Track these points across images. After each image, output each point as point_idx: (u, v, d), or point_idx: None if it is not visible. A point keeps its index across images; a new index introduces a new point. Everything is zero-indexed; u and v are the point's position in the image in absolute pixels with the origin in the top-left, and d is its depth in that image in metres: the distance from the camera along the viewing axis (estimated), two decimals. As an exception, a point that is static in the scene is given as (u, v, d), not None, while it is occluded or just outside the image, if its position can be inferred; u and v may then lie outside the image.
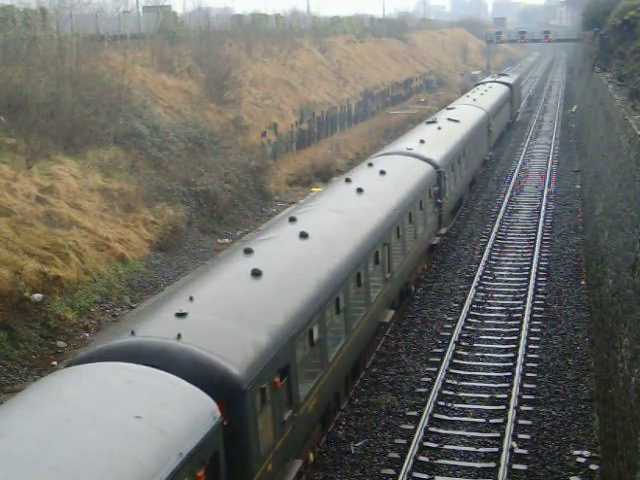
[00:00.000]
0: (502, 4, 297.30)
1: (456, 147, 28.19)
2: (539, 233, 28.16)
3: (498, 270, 24.55)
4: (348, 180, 20.01)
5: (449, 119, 32.05)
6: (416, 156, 24.07)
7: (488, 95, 44.14)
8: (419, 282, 23.27)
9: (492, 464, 13.81)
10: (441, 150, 25.96)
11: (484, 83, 52.73)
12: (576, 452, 14.22)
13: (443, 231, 25.68)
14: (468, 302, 21.50)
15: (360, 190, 18.74)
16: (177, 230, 27.61)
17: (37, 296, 19.71)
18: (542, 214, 30.88)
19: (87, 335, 19.91)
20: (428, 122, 32.22)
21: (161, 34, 44.98)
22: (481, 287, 22.93)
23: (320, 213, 16.84)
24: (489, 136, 39.28)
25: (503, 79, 54.81)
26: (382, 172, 21.12)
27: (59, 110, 29.45)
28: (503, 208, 32.09)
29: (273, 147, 42.79)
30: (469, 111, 36.25)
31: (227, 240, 29.08)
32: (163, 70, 41.17)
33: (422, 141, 26.13)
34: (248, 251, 13.50)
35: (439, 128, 29.58)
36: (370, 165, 22.56)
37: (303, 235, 14.32)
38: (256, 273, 12.35)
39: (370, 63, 73.20)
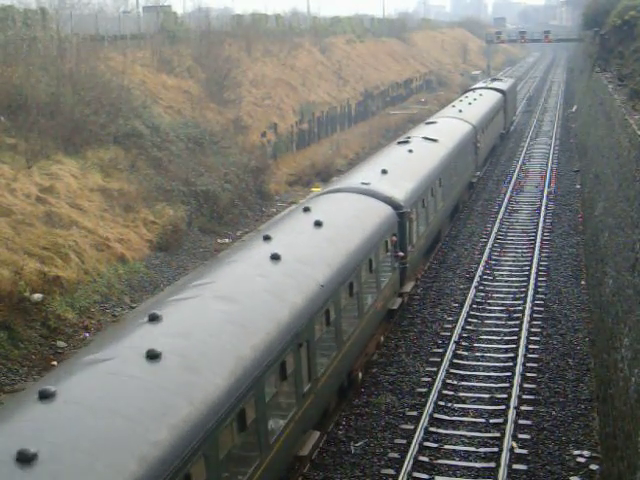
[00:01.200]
0: (502, 4, 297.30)
1: (430, 176, 23.49)
2: (539, 233, 28.16)
3: (498, 270, 24.55)
4: (267, 238, 14.71)
5: (425, 138, 27.17)
6: (372, 194, 19.09)
7: (477, 105, 39.01)
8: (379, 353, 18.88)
9: (492, 464, 13.82)
10: (408, 183, 21.29)
11: (474, 90, 47.16)
12: (576, 452, 14.22)
13: (408, 288, 20.33)
14: (468, 302, 21.50)
15: (276, 257, 13.45)
16: (177, 230, 27.62)
17: (37, 296, 19.71)
18: (542, 214, 30.88)
19: (87, 335, 19.91)
20: (400, 142, 26.84)
21: (161, 34, 44.99)
22: (481, 287, 22.94)
23: (198, 310, 11.43)
24: (476, 154, 34.15)
25: (496, 85, 49.37)
26: (318, 223, 15.60)
27: (59, 110, 29.45)
28: (503, 208, 32.08)
29: (273, 147, 42.79)
30: (452, 126, 31.33)
31: (227, 240, 29.09)
32: (163, 70, 41.18)
33: (384, 171, 21.27)
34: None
35: (410, 151, 24.61)
36: (306, 210, 16.86)
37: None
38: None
39: (370, 63, 73.20)
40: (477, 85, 52.10)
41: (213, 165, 33.38)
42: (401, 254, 19.04)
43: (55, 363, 18.04)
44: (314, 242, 14.89)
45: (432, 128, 29.94)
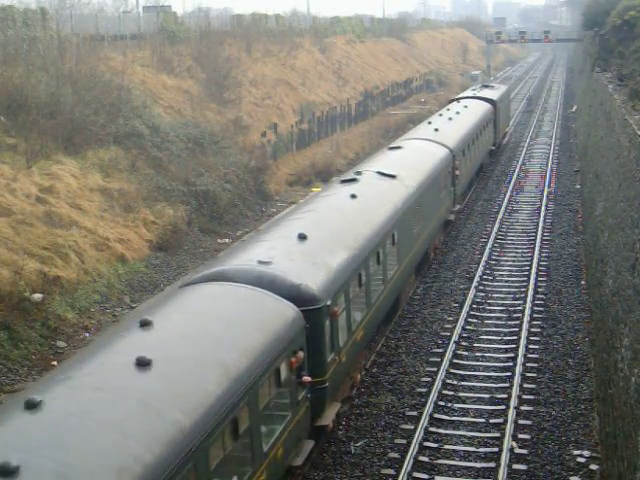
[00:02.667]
0: (502, 4, 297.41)
1: (376, 236, 16.87)
2: (539, 233, 28.16)
3: (498, 270, 24.55)
4: None
5: (380, 173, 20.84)
6: (269, 283, 12.78)
7: (459, 121, 32.57)
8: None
9: (492, 464, 13.82)
10: (336, 255, 14.79)
11: (458, 100, 40.93)
12: (576, 452, 14.22)
13: (328, 419, 13.83)
14: (468, 302, 21.50)
15: None
16: (177, 230, 27.62)
17: (37, 296, 19.71)
18: (542, 214, 30.88)
19: (87, 335, 19.91)
20: (344, 181, 20.17)
21: (161, 34, 44.99)
22: (481, 287, 22.93)
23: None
24: (454, 184, 27.69)
25: (485, 93, 43.19)
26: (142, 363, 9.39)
27: (59, 110, 29.45)
28: (503, 208, 32.08)
29: (273, 147, 42.79)
30: (422, 152, 25.34)
31: (227, 240, 29.09)
32: (163, 70, 41.18)
33: (303, 237, 14.66)
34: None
35: (353, 196, 17.95)
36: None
37: None
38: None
39: (370, 63, 73.21)
40: (463, 94, 45.18)
41: (213, 165, 33.38)
42: (307, 379, 12.52)
43: (55, 363, 18.04)
44: None
45: (394, 157, 23.91)
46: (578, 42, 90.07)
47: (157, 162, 31.18)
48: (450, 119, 32.44)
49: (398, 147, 25.70)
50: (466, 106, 37.18)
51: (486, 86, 48.58)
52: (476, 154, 33.91)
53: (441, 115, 34.54)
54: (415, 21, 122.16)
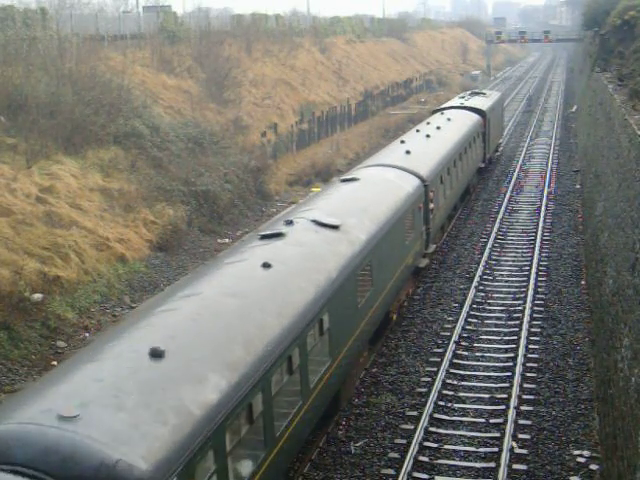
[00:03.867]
0: (502, 4, 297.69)
1: (280, 342, 11.16)
2: (539, 233, 28.17)
3: (498, 270, 24.55)
4: None
5: (317, 223, 15.44)
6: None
7: (438, 139, 27.41)
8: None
9: (492, 464, 13.82)
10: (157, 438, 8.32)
11: (442, 111, 35.29)
12: (576, 452, 14.22)
13: None
14: (468, 302, 21.51)
15: None
16: (177, 230, 27.62)
17: (37, 296, 19.72)
18: (542, 214, 30.89)
19: (87, 335, 19.92)
20: (264, 236, 14.50)
21: (161, 34, 45.02)
22: (481, 287, 22.94)
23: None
24: (426, 223, 22.32)
25: (474, 102, 37.87)
26: None
27: (59, 110, 29.46)
28: (503, 208, 32.08)
29: (273, 147, 42.80)
30: (383, 185, 19.81)
31: (227, 240, 29.09)
32: (163, 70, 41.20)
33: (158, 354, 9.30)
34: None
35: (266, 266, 12.70)
36: None
37: None
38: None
39: (370, 63, 73.24)
40: (449, 103, 39.96)
41: (213, 165, 33.39)
42: None
43: (55, 363, 18.05)
44: None
45: (343, 195, 18.59)
46: (578, 42, 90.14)
47: (157, 162, 31.18)
48: (428, 137, 27.13)
49: (353, 179, 19.90)
50: (449, 119, 31.85)
51: (476, 93, 43.47)
52: (460, 177, 28.83)
53: (418, 131, 28.90)
54: (415, 21, 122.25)
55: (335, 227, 15.44)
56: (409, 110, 64.65)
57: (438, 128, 29.17)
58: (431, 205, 22.66)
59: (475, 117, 34.63)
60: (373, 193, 18.97)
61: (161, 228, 26.99)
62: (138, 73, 38.47)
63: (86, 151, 28.95)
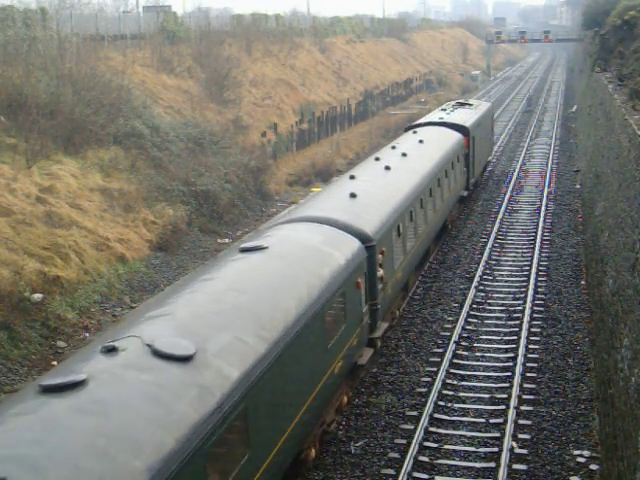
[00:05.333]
0: (502, 4, 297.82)
1: None
2: (539, 233, 28.17)
3: (498, 270, 24.55)
4: None
5: (155, 354, 9.24)
6: None
7: (402, 171, 21.71)
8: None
9: (492, 464, 13.82)
10: None
11: (415, 129, 29.51)
12: (576, 452, 14.22)
13: None
14: (468, 302, 21.50)
15: None
16: (177, 230, 27.62)
17: (37, 296, 19.72)
18: (542, 214, 30.88)
19: (87, 335, 19.92)
20: (105, 350, 9.26)
21: (161, 34, 45.04)
22: (481, 287, 22.94)
23: None
24: (372, 297, 16.52)
25: (456, 117, 32.26)
26: None
27: (59, 110, 29.45)
28: (503, 208, 32.08)
29: (273, 147, 42.81)
30: (302, 256, 13.86)
31: (227, 240, 29.09)
32: (163, 70, 41.20)
33: None
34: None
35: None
36: None
37: None
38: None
39: (370, 63, 73.26)
40: (427, 118, 33.83)
41: (213, 165, 33.39)
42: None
43: (55, 363, 18.05)
44: None
45: (228, 280, 12.26)
46: (578, 42, 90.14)
47: (157, 162, 31.18)
48: (387, 169, 21.40)
49: (257, 248, 13.42)
50: (422, 140, 26.10)
51: (461, 104, 37.57)
52: (430, 218, 23.17)
53: (378, 160, 22.93)
54: (415, 21, 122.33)
55: (185, 359, 9.35)
56: (409, 110, 64.66)
57: (404, 155, 23.51)
58: (380, 272, 16.85)
59: (456, 136, 29.01)
60: (279, 276, 12.63)
61: (161, 228, 26.98)
62: (138, 73, 38.47)
63: (86, 151, 28.95)
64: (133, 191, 27.99)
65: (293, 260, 13.43)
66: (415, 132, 28.66)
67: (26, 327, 18.92)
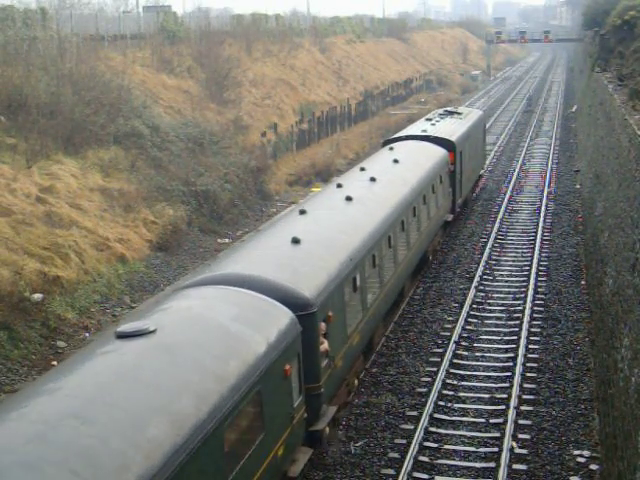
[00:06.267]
0: (502, 4, 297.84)
1: None
2: (539, 233, 28.16)
3: (498, 270, 24.55)
4: None
5: None
6: None
7: (367, 202, 18.24)
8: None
9: (492, 464, 13.82)
10: None
11: (392, 146, 25.56)
12: (576, 452, 14.22)
13: None
14: (468, 302, 21.50)
15: None
16: (177, 230, 27.61)
17: (37, 296, 19.71)
18: (542, 214, 30.88)
19: (87, 335, 19.91)
20: None
21: (161, 34, 45.04)
22: (481, 287, 22.93)
23: None
24: (313, 393, 12.77)
25: (441, 129, 28.73)
26: None
27: (59, 110, 29.45)
28: (503, 208, 32.07)
29: (273, 147, 42.80)
30: (204, 348, 10.09)
31: (227, 240, 29.09)
32: (163, 70, 41.19)
33: None
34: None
35: None
36: None
37: None
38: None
39: (370, 63, 73.27)
40: (407, 130, 30.14)
41: (213, 165, 33.38)
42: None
43: (55, 363, 18.05)
44: None
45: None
46: (578, 42, 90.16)
47: (157, 162, 31.17)
48: (349, 199, 17.55)
49: (142, 331, 9.89)
50: (397, 160, 22.45)
51: (449, 113, 33.76)
52: (402, 257, 19.39)
53: (340, 187, 19.16)
54: (415, 21, 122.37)
55: None
56: (409, 110, 64.66)
57: (372, 180, 19.75)
58: (324, 345, 13.09)
59: (439, 152, 25.70)
60: (155, 385, 9.04)
61: (161, 228, 26.98)
62: (138, 73, 38.46)
63: (86, 151, 28.94)
64: (133, 191, 27.98)
65: (185, 353, 9.74)
66: (391, 149, 24.97)
67: (26, 327, 18.91)
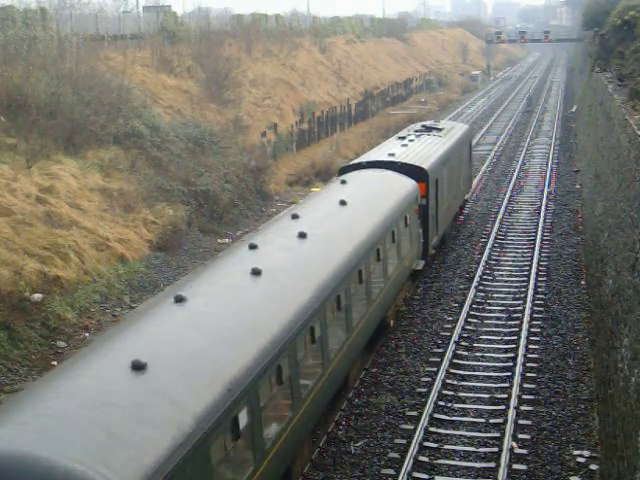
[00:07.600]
0: (502, 4, 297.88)
1: None
2: (539, 233, 28.16)
3: (498, 270, 24.55)
4: None
5: None
6: None
7: (286, 279, 12.41)
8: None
9: (492, 464, 13.82)
10: None
11: (344, 179, 19.69)
12: (576, 452, 14.22)
13: None
14: (468, 302, 21.50)
15: None
16: (177, 230, 27.61)
17: (37, 296, 19.71)
18: (542, 214, 30.88)
19: (87, 335, 19.91)
20: None
21: (161, 34, 45.03)
22: (481, 287, 22.93)
23: None
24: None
25: (412, 152, 23.66)
26: None
27: (59, 110, 29.43)
28: (503, 208, 32.07)
29: (273, 147, 42.79)
30: None
31: (227, 240, 29.09)
32: (163, 70, 41.19)
33: None
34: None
35: None
36: None
37: None
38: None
39: (370, 63, 73.27)
40: (371, 155, 24.69)
41: (213, 165, 33.37)
42: None
43: (55, 363, 18.05)
44: None
45: None
46: (578, 42, 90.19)
47: (157, 162, 31.16)
48: (256, 274, 12.18)
49: None
50: (344, 202, 16.99)
51: (428, 129, 28.39)
52: (343, 339, 14.56)
53: (254, 248, 13.50)
54: (415, 21, 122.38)
55: None
56: (409, 110, 64.68)
57: (301, 237, 14.25)
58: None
59: (406, 185, 20.56)
60: None
61: (161, 228, 26.97)
62: (138, 73, 38.45)
63: (86, 151, 28.93)
64: (133, 191, 27.98)
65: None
66: (344, 182, 19.45)
67: (26, 327, 18.91)
